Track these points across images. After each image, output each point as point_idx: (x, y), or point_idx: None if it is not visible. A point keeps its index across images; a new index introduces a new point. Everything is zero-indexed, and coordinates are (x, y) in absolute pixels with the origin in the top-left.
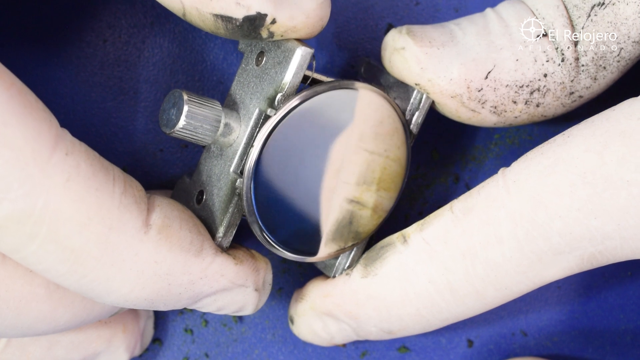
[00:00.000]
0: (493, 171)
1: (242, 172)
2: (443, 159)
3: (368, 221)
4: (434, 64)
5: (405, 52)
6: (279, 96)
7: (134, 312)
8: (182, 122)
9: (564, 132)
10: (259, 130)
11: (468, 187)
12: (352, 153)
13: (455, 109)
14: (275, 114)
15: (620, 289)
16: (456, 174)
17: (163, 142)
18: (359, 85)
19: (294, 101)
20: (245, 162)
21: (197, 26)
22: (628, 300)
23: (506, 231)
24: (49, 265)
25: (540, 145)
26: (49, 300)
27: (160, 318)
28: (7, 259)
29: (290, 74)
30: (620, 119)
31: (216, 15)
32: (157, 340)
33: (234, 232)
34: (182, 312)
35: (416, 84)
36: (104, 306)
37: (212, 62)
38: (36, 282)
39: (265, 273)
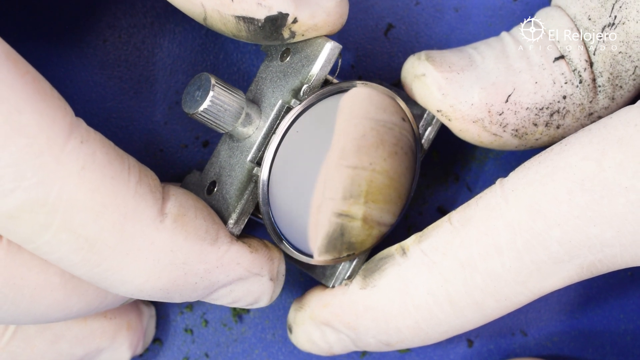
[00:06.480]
0: (493, 171)
1: (259, 163)
2: (443, 159)
3: (360, 232)
4: (455, 89)
5: (426, 78)
6: (304, 87)
7: (137, 310)
8: (206, 103)
9: (561, 141)
10: (281, 119)
11: (468, 187)
12: (334, 170)
13: (477, 134)
14: (300, 104)
15: (620, 289)
16: (456, 174)
17: (163, 142)
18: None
19: (319, 93)
20: (264, 151)
21: (218, 30)
22: (628, 300)
23: (505, 241)
24: (62, 254)
25: (537, 154)
26: (63, 289)
27: (161, 318)
28: (23, 247)
29: (319, 66)
30: (617, 126)
31: (238, 17)
32: (157, 340)
33: (246, 221)
34: (182, 312)
35: (438, 111)
36: (117, 294)
37: (212, 62)
38: (51, 270)
39: (279, 263)
